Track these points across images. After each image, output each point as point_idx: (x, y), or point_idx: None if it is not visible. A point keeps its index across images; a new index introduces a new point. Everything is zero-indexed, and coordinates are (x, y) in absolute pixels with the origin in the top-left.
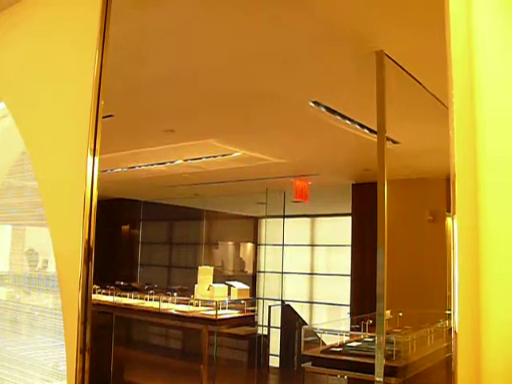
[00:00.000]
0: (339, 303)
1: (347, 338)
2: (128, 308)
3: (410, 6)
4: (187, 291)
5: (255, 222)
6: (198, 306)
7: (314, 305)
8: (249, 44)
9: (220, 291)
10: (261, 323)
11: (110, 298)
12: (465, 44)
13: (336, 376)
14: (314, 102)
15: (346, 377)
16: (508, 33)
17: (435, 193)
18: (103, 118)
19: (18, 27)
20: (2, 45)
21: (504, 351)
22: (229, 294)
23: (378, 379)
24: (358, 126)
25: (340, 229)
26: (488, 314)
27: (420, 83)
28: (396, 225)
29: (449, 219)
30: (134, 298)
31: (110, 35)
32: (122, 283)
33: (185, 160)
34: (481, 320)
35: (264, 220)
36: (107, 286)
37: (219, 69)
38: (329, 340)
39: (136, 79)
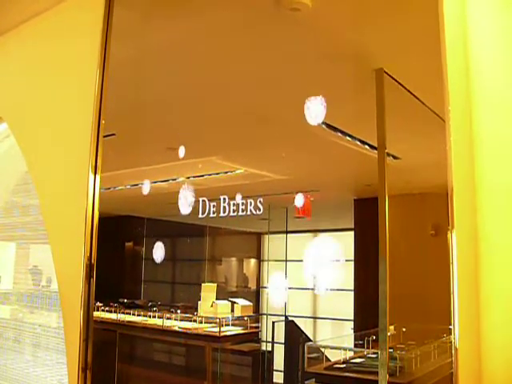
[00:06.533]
0: (343, 318)
1: (351, 354)
2: (131, 325)
3: (408, 25)
4: (191, 308)
5: (258, 238)
6: (201, 322)
7: (318, 320)
8: (250, 64)
9: (223, 308)
10: (264, 339)
11: (113, 316)
12: (461, 60)
13: None
14: None
15: None
16: (504, 49)
17: (437, 207)
18: (106, 136)
19: (21, 48)
20: (4, 66)
21: (504, 366)
22: (232, 310)
23: None
24: (358, 143)
25: (343, 244)
26: (488, 328)
27: (419, 99)
28: (398, 239)
29: None
30: (138, 315)
31: (111, 55)
32: (125, 300)
33: (187, 177)
34: (481, 335)
35: (267, 236)
36: (111, 304)
37: (220, 88)
38: (333, 355)
39: (138, 99)
